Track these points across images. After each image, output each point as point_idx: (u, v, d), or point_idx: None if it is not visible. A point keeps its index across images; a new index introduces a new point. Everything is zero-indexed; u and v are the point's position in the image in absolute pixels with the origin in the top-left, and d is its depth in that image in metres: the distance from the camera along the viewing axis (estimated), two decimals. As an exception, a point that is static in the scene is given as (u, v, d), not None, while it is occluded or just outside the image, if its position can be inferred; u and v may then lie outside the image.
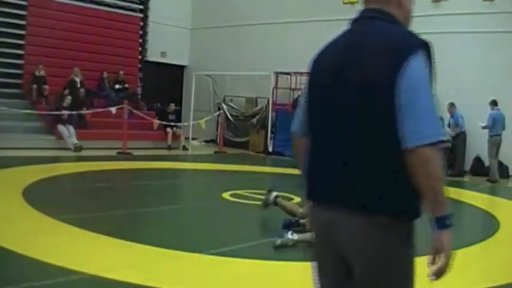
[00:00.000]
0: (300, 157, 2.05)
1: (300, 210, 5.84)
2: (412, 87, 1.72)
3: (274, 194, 6.12)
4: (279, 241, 5.08)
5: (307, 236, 5.21)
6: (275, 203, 6.06)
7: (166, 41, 17.92)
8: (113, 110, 14.00)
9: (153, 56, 17.87)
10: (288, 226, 5.34)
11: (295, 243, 5.11)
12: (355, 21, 1.99)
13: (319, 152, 1.92)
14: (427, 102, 1.72)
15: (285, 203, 6.18)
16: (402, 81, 1.72)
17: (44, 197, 7.02)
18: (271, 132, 15.46)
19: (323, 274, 1.97)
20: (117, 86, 15.65)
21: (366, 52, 1.83)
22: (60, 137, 13.02)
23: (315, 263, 1.99)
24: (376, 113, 1.76)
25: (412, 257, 1.84)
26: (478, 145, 12.34)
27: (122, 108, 13.52)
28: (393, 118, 1.73)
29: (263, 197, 6.18)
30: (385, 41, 1.82)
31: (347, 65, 1.85)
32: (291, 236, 5.13)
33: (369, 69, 1.79)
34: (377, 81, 1.76)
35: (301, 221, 5.49)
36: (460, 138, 12.36)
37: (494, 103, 11.92)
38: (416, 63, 1.75)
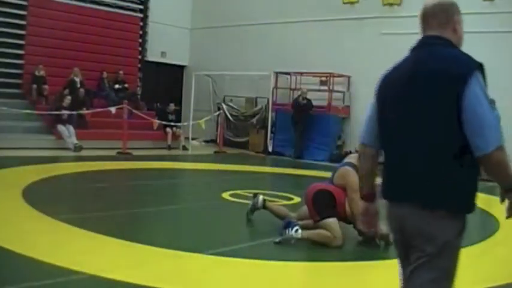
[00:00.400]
0: (366, 164, 2.46)
1: (292, 214, 5.83)
2: (475, 103, 2.08)
3: (261, 197, 6.12)
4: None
5: (313, 233, 5.22)
6: (264, 207, 6.06)
7: (166, 41, 17.93)
8: (113, 110, 14.01)
9: (153, 56, 17.88)
10: (289, 226, 5.33)
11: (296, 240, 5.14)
12: (416, 48, 2.30)
13: (391, 162, 2.31)
14: (488, 114, 2.10)
15: (274, 206, 6.18)
16: (466, 99, 2.07)
17: (44, 197, 7.02)
18: (271, 132, 15.46)
19: (399, 258, 2.37)
20: (116, 86, 15.65)
21: (429, 76, 2.15)
22: (60, 136, 13.02)
23: (396, 250, 2.40)
24: (441, 130, 2.12)
25: (460, 245, 2.22)
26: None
27: (121, 108, 13.52)
28: (457, 133, 2.09)
29: (249, 204, 6.16)
30: (447, 65, 2.14)
31: (412, 89, 2.19)
32: (295, 233, 5.13)
33: (434, 91, 2.12)
34: (442, 101, 2.11)
35: (300, 222, 5.49)
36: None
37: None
38: (475, 83, 2.10)
